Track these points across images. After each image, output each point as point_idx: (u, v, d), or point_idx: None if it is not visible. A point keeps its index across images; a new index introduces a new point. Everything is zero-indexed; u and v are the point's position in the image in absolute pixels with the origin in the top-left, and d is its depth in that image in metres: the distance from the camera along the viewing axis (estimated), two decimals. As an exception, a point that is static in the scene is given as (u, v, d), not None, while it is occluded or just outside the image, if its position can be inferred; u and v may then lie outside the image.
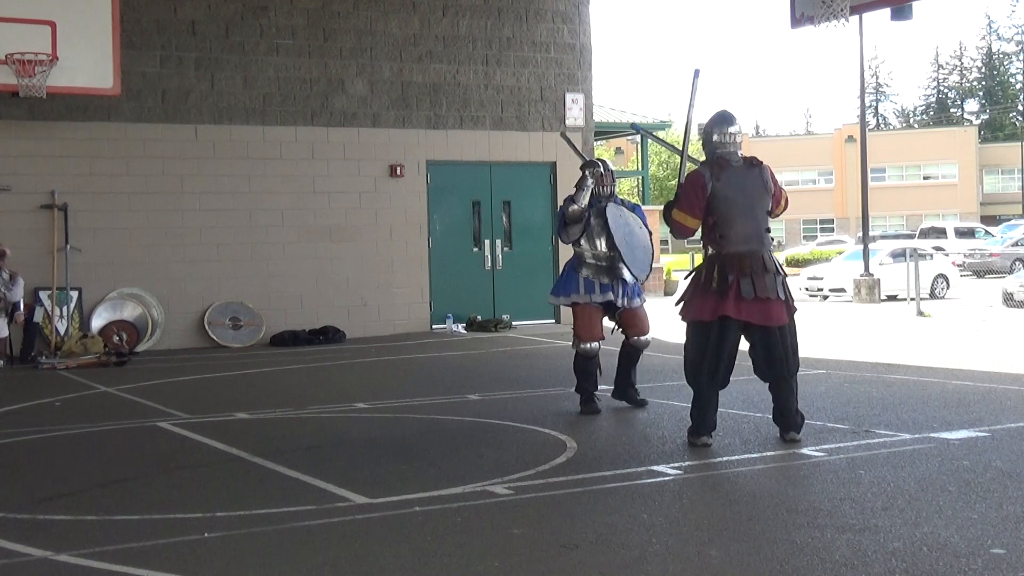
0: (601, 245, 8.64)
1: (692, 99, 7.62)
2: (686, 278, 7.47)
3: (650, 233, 8.89)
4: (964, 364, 11.45)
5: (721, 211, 7.13)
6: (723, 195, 7.13)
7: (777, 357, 7.10)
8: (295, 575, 4.61)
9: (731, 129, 7.29)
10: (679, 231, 7.30)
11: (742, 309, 7.00)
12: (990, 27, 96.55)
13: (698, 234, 7.38)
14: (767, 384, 7.29)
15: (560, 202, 9.43)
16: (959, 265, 29.68)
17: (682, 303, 7.31)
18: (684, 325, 7.33)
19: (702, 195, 7.14)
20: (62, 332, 14.26)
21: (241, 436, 8.03)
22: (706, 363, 7.10)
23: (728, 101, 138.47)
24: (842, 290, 24.08)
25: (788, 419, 7.22)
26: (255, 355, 14.17)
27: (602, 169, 8.78)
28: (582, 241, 8.69)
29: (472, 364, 12.67)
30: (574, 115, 17.65)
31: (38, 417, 9.31)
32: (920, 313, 18.67)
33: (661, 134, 60.72)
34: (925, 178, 67.37)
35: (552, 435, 7.69)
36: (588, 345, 8.57)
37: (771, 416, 7.34)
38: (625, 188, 58.22)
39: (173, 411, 9.35)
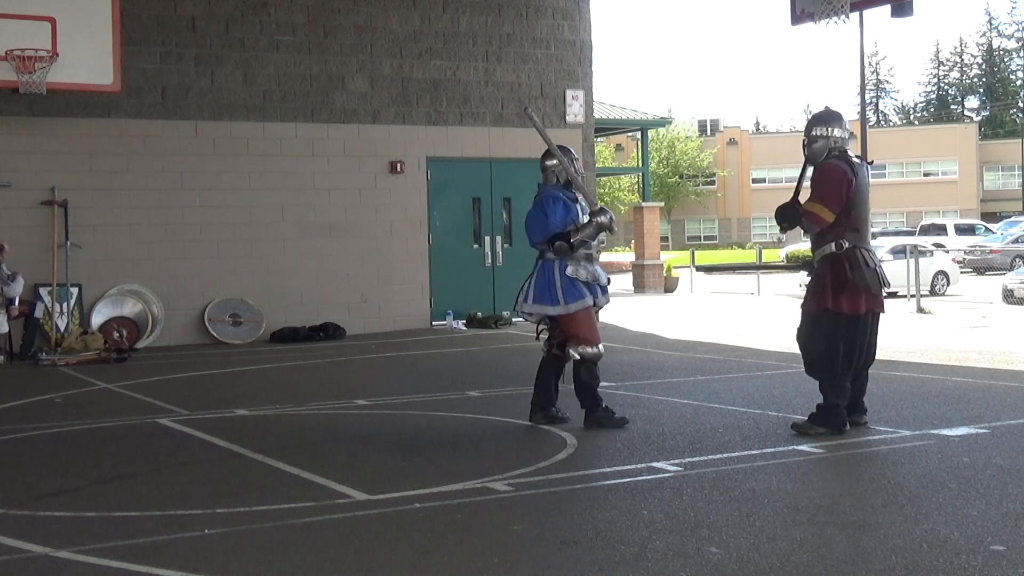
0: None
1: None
2: (809, 275, 7.49)
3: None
4: (964, 361, 11.44)
5: (858, 205, 7.19)
6: (860, 189, 7.20)
7: (875, 342, 7.43)
8: (295, 572, 4.61)
9: (847, 126, 7.38)
10: (815, 222, 7.18)
11: (878, 301, 7.28)
12: (990, 23, 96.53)
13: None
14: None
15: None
16: (959, 262, 29.64)
17: (822, 298, 7.17)
18: (797, 320, 7.46)
19: (847, 190, 7.11)
20: (62, 328, 14.25)
21: (241, 432, 8.03)
22: (854, 354, 7.22)
23: (729, 97, 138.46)
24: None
25: (862, 404, 7.49)
26: (255, 352, 14.17)
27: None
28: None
29: (472, 361, 12.67)
30: (574, 112, 17.64)
31: (38, 413, 9.31)
32: (920, 310, 18.68)
33: (661, 130, 60.71)
34: (925, 175, 67.35)
35: (552, 432, 7.69)
36: (600, 348, 7.92)
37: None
38: (625, 184, 58.19)
39: (173, 407, 9.35)
